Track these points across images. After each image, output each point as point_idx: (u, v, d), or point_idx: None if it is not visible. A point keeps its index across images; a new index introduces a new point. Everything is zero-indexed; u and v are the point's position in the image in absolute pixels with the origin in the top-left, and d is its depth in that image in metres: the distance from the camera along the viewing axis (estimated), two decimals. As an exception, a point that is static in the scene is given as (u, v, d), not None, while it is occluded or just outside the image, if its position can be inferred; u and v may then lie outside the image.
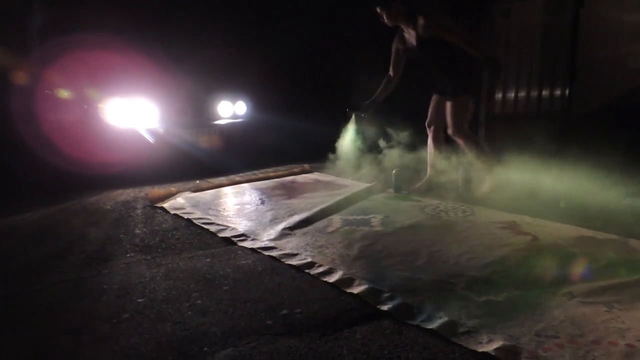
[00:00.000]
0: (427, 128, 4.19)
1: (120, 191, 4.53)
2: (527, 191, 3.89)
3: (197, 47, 5.64)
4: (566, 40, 4.65)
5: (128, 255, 2.93)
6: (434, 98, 4.12)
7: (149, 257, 2.88)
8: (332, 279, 2.50)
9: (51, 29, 6.07)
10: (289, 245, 3.03)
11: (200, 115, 5.38)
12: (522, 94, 4.69)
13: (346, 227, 3.32)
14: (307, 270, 2.62)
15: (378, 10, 3.80)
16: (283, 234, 3.21)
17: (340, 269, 2.60)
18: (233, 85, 5.68)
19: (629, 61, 5.02)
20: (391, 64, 4.09)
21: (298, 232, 3.27)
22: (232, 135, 5.48)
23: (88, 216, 3.76)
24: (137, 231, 3.37)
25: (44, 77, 5.78)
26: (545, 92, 4.76)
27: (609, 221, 3.20)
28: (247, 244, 3.07)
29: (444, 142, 4.17)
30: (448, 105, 3.91)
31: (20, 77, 6.35)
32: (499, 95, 4.61)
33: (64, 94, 5.33)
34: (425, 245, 2.94)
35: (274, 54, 6.44)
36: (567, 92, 4.77)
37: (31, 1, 6.49)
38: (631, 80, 5.10)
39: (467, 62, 3.74)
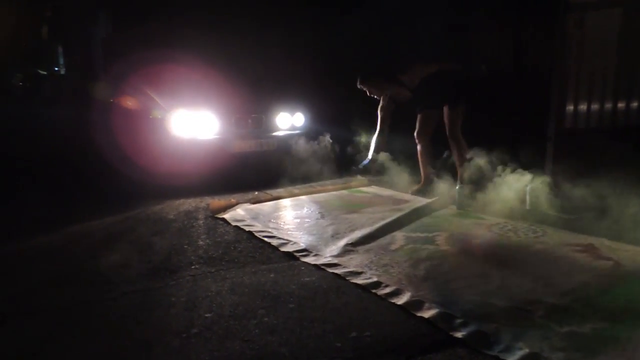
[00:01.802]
0: (418, 138, 4.63)
1: (182, 201, 4.61)
2: (602, 212, 3.66)
3: (257, 59, 5.73)
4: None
5: (193, 267, 2.95)
6: (426, 115, 4.59)
7: (213, 270, 2.89)
8: (400, 300, 2.42)
9: (115, 39, 6.34)
10: (352, 262, 2.96)
11: (259, 127, 5.41)
12: (595, 106, 4.42)
13: (410, 245, 3.23)
14: (373, 290, 2.55)
15: (362, 87, 4.51)
16: (345, 250, 3.15)
17: (407, 290, 2.51)
18: (291, 97, 5.71)
19: None
20: (381, 119, 4.64)
21: (360, 248, 3.21)
22: (290, 146, 5.49)
23: (152, 225, 3.84)
24: (201, 242, 3.40)
25: (112, 87, 6.03)
26: (620, 105, 4.48)
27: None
28: (310, 259, 3.03)
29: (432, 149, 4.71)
30: (450, 114, 4.45)
31: (92, 88, 6.65)
32: (570, 108, 4.37)
33: (131, 104, 5.52)
34: (496, 267, 2.81)
35: (332, 66, 6.43)
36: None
37: (97, 11, 6.79)
38: None
39: (452, 79, 4.39)
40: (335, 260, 2.98)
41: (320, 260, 2.99)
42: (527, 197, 3.99)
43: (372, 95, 4.65)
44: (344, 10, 6.43)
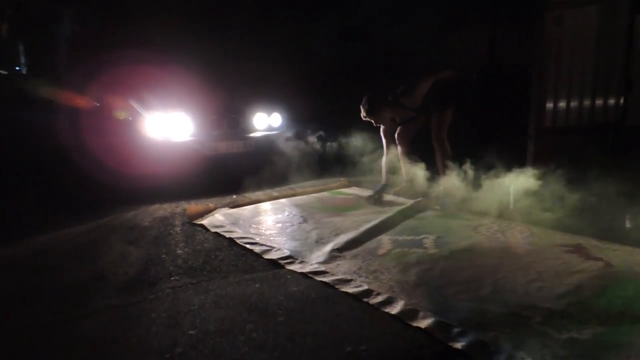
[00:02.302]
0: (399, 139, 4.58)
1: (156, 206, 4.43)
2: (585, 210, 3.66)
3: (233, 60, 5.56)
4: (621, 48, 4.41)
5: (173, 278, 2.79)
6: (411, 124, 4.55)
7: (194, 281, 2.74)
8: (394, 309, 2.32)
9: (82, 38, 6.05)
10: (340, 269, 2.85)
11: (236, 128, 5.25)
12: (574, 104, 4.44)
13: (398, 249, 3.14)
14: (365, 299, 2.44)
15: (368, 119, 4.38)
16: (332, 256, 3.04)
17: (400, 298, 2.42)
18: (268, 97, 5.56)
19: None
20: (386, 143, 4.54)
21: (347, 254, 3.10)
22: (267, 147, 5.35)
23: (127, 233, 3.65)
24: (179, 251, 3.24)
25: (79, 88, 5.75)
26: (598, 103, 4.51)
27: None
28: (296, 267, 2.91)
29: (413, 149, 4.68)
30: (438, 117, 4.41)
31: (57, 89, 6.34)
32: (550, 106, 4.38)
33: (101, 105, 5.27)
34: (488, 271, 2.74)
35: (310, 65, 6.31)
36: (621, 102, 4.52)
37: (61, 9, 6.47)
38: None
39: (443, 84, 4.34)
40: (322, 268, 2.87)
41: (306, 268, 2.87)
42: (511, 197, 3.96)
43: (377, 125, 4.51)
44: (322, 9, 6.32)
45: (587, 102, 4.49)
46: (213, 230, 3.65)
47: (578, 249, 3.01)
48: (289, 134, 5.54)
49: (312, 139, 5.54)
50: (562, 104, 4.42)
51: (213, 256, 3.14)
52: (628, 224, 3.40)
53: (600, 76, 4.43)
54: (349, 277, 2.71)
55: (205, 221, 3.89)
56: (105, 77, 5.21)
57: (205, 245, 3.36)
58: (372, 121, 4.44)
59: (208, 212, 4.12)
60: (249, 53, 5.65)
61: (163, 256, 3.14)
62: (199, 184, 4.86)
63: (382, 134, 4.54)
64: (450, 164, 4.27)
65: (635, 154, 4.19)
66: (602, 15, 4.30)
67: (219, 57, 5.43)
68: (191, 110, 4.97)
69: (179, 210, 4.29)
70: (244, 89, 5.50)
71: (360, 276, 2.74)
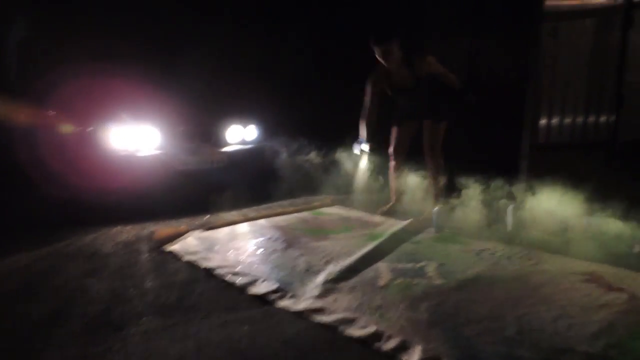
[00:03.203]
0: (395, 153, 4.31)
1: (119, 228, 3.95)
2: (587, 232, 3.45)
3: (206, 68, 5.15)
4: (614, 63, 4.28)
5: (143, 319, 2.35)
6: (405, 128, 4.27)
7: (169, 323, 2.31)
8: (412, 358, 1.98)
9: (35, 44, 5.51)
10: (339, 305, 2.49)
11: (208, 141, 4.83)
12: (567, 120, 4.28)
13: (399, 279, 2.81)
14: (376, 345, 2.09)
15: (380, 49, 3.83)
16: (327, 289, 2.68)
17: (416, 343, 2.08)
18: (243, 108, 5.18)
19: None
20: (370, 101, 4.12)
21: (344, 285, 2.74)
22: (242, 162, 4.95)
23: (85, 263, 3.17)
24: (149, 284, 2.80)
25: (33, 97, 5.20)
26: (591, 119, 4.36)
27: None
28: (288, 303, 2.53)
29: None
30: (433, 129, 4.10)
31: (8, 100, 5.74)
32: (543, 122, 4.19)
33: (56, 116, 4.75)
34: (506, 305, 2.44)
35: (288, 75, 5.96)
36: (613, 119, 4.39)
37: (11, 11, 5.90)
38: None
39: (447, 92, 4.01)
40: (318, 304, 2.50)
41: (300, 305, 2.50)
42: (509, 218, 3.72)
43: (387, 62, 3.88)
44: (299, 16, 6.01)
45: (579, 120, 4.32)
46: (187, 258, 3.22)
47: (595, 278, 2.76)
48: (266, 147, 5.16)
49: (292, 152, 5.18)
50: (556, 121, 4.23)
51: (189, 290, 2.71)
52: (638, 249, 3.19)
53: (593, 92, 4.29)
54: (351, 316, 2.35)
55: (176, 246, 3.45)
56: (63, 87, 4.70)
57: (179, 276, 2.93)
58: (381, 53, 3.83)
59: (179, 235, 3.68)
60: (222, 61, 5.26)
61: (130, 291, 2.69)
62: (167, 202, 4.40)
63: (367, 98, 4.15)
64: (443, 182, 4.00)
65: (630, 172, 4.05)
66: (596, 29, 4.16)
67: (191, 65, 5.01)
68: (159, 121, 4.53)
69: (145, 233, 3.83)
70: (218, 99, 5.09)
71: (364, 314, 2.38)
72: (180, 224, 4.03)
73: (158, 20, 5.20)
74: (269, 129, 5.32)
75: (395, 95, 4.14)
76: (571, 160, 4.23)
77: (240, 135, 5.08)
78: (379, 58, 3.87)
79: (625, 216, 3.46)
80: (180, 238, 3.64)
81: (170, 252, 3.35)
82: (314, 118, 5.54)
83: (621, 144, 4.39)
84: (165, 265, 3.11)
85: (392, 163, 4.33)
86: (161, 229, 3.77)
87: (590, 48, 4.20)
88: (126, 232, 3.85)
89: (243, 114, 5.11)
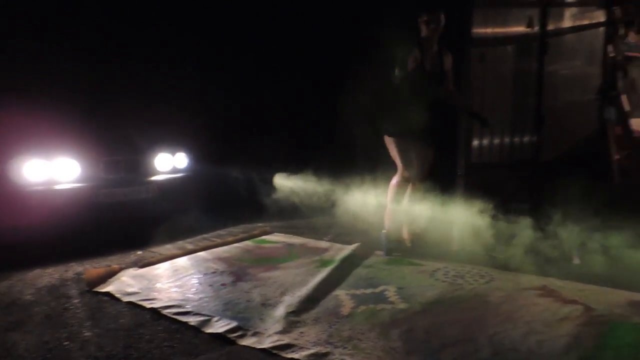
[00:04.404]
0: (405, 179, 3.81)
1: (38, 271, 3.49)
2: (529, 247, 3.59)
3: (130, 94, 4.84)
4: (534, 87, 4.60)
5: (88, 376, 2.05)
6: (409, 146, 3.74)
7: (121, 378, 2.03)
8: (399, 391, 1.88)
9: None
10: (307, 339, 2.34)
11: (135, 171, 4.48)
12: (497, 141, 4.49)
13: (362, 307, 2.72)
14: (357, 380, 1.97)
15: (434, 14, 3.55)
16: (290, 322, 2.52)
17: (399, 373, 1.99)
18: (171, 136, 4.88)
19: (586, 107, 5.13)
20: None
21: (306, 317, 2.60)
22: (173, 191, 4.65)
23: (4, 314, 2.74)
24: (87, 334, 2.46)
25: None
26: (516, 140, 4.63)
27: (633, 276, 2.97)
28: (251, 342, 2.33)
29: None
30: (428, 152, 3.77)
31: None
32: (475, 143, 4.36)
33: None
34: (474, 326, 2.43)
35: (217, 100, 5.76)
36: (535, 139, 4.69)
37: None
38: (589, 126, 5.22)
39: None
40: (285, 340, 2.33)
41: (265, 342, 2.31)
42: (455, 237, 3.79)
43: (434, 31, 3.57)
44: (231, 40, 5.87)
45: (507, 140, 4.57)
46: (126, 299, 2.90)
47: (548, 292, 2.86)
48: (198, 175, 4.89)
49: (225, 179, 4.95)
50: (486, 142, 4.43)
51: (137, 337, 2.42)
52: (577, 261, 3.36)
53: (517, 113, 4.56)
54: (324, 350, 2.21)
55: (111, 287, 3.10)
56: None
57: (122, 321, 2.61)
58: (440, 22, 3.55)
59: (112, 274, 3.32)
60: (149, 85, 4.96)
61: (65, 344, 2.35)
62: (91, 239, 4.00)
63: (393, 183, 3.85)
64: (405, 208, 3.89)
65: (554, 189, 4.30)
66: (517, 54, 4.44)
67: (114, 90, 4.68)
68: (78, 152, 4.13)
69: (70, 274, 3.42)
70: (144, 127, 4.76)
71: (336, 347, 2.25)
72: (110, 262, 3.66)
73: (77, 44, 4.82)
74: (200, 156, 5.06)
75: (410, 84, 3.61)
76: (501, 178, 4.43)
77: (169, 163, 4.78)
78: (425, 27, 3.57)
79: (555, 228, 3.65)
80: (113, 278, 3.29)
81: (106, 294, 3.00)
82: (246, 144, 5.38)
83: (544, 162, 4.69)
84: (103, 310, 2.77)
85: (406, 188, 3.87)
86: (91, 269, 3.38)
87: (512, 73, 4.47)
88: (47, 275, 3.41)
89: (171, 141, 4.82)
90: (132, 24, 5.41)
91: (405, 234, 3.89)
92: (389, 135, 3.75)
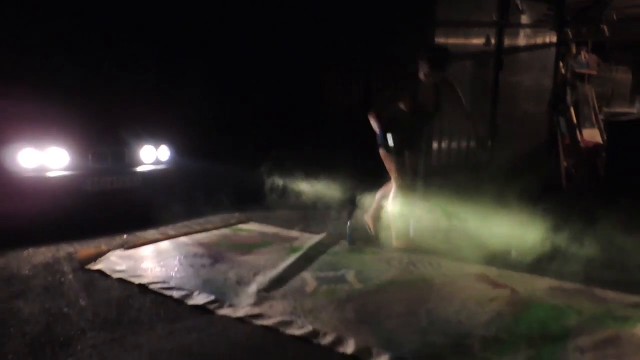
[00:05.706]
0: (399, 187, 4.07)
1: (31, 251, 3.81)
2: (475, 240, 4.06)
3: (118, 86, 5.14)
4: (489, 97, 5.08)
5: (87, 334, 2.42)
6: (404, 160, 4.06)
7: (117, 336, 2.41)
8: (348, 349, 2.31)
9: None
10: (275, 310, 2.75)
11: (121, 161, 4.80)
12: (454, 145, 4.97)
13: (325, 286, 3.14)
14: (315, 341, 2.39)
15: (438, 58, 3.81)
16: (261, 297, 2.92)
17: (349, 337, 2.41)
18: (155, 128, 5.21)
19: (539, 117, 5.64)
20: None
21: (275, 294, 3.01)
22: (156, 181, 4.99)
23: (6, 286, 3.08)
24: (83, 303, 2.82)
25: None
26: (472, 144, 5.10)
27: (561, 267, 3.45)
28: (227, 311, 2.73)
29: None
30: (414, 161, 4.14)
31: None
32: (435, 146, 4.83)
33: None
34: (418, 303, 2.88)
35: (199, 94, 6.09)
36: (489, 144, 5.17)
37: None
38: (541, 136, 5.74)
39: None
40: (256, 310, 2.74)
41: (239, 312, 2.72)
42: (411, 229, 4.23)
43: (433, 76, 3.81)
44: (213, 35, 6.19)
45: (463, 145, 5.04)
46: (115, 275, 3.26)
47: (484, 278, 3.33)
48: (179, 166, 5.24)
49: (205, 171, 5.31)
50: (445, 145, 4.89)
51: (127, 305, 2.79)
52: (514, 254, 3.84)
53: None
54: (288, 319, 2.63)
55: (101, 265, 3.46)
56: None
57: (113, 293, 2.98)
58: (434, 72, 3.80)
59: (101, 254, 3.67)
60: (136, 79, 5.27)
61: (65, 310, 2.71)
62: (80, 223, 4.32)
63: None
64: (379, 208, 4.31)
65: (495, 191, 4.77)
66: (475, 68, 4.92)
67: (102, 83, 4.98)
68: (68, 142, 4.44)
69: (62, 254, 3.75)
70: (131, 120, 5.08)
71: (299, 317, 2.67)
72: (98, 244, 4.00)
73: (66, 38, 5.10)
74: (182, 148, 5.41)
75: (404, 122, 3.94)
76: (458, 179, 4.91)
77: (153, 155, 5.11)
78: (426, 70, 3.79)
79: (502, 226, 4.14)
80: (103, 258, 3.64)
81: (97, 271, 3.35)
82: (228, 138, 5.74)
83: (497, 165, 5.19)
84: (95, 284, 3.13)
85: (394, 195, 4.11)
86: (83, 248, 3.72)
87: (470, 84, 4.95)
88: (40, 255, 3.74)
89: (155, 134, 5.15)
90: (120, 22, 5.69)
91: (372, 227, 4.32)
92: (389, 153, 4.00)
